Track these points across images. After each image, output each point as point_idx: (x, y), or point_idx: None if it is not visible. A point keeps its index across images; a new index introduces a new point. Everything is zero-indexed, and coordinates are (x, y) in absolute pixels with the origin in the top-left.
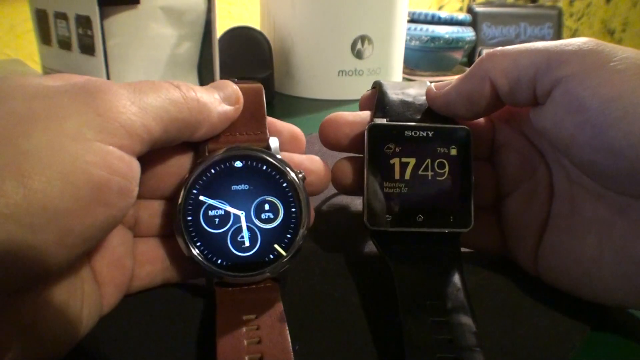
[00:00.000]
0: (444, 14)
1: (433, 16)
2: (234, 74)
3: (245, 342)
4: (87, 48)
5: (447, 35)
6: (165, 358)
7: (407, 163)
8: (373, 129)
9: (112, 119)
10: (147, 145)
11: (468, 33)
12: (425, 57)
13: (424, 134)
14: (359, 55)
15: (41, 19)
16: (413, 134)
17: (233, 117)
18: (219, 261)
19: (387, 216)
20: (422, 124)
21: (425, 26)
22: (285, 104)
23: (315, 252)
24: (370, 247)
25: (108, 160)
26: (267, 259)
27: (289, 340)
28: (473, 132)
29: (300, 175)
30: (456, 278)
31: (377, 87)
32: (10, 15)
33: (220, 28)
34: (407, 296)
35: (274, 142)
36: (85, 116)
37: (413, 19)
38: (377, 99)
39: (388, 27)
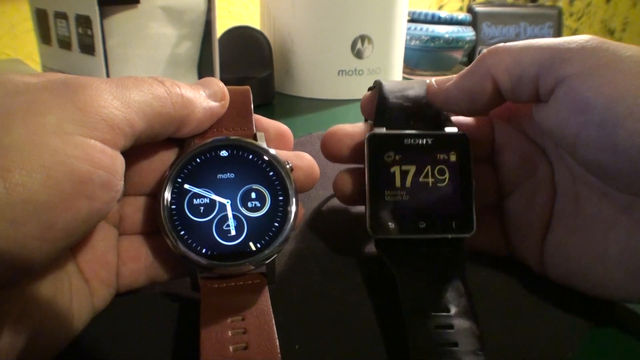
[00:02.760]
0: (444, 14)
1: (433, 16)
2: (234, 73)
3: (229, 332)
4: (87, 48)
5: (447, 35)
6: (150, 352)
7: (408, 171)
8: (372, 138)
9: (93, 113)
10: (131, 139)
11: (468, 33)
12: (425, 57)
13: (423, 142)
14: (359, 55)
15: (41, 18)
16: (412, 141)
17: (219, 113)
18: (204, 250)
19: (390, 224)
20: (421, 132)
21: (425, 26)
22: (285, 104)
23: (315, 252)
24: (370, 246)
25: (90, 154)
26: (254, 248)
27: (275, 329)
28: (472, 134)
29: (288, 166)
30: (459, 283)
31: (377, 89)
32: (10, 15)
33: (220, 28)
34: (411, 302)
35: (260, 137)
36: (65, 110)
37: (413, 19)
38: (376, 105)
39: (388, 27)
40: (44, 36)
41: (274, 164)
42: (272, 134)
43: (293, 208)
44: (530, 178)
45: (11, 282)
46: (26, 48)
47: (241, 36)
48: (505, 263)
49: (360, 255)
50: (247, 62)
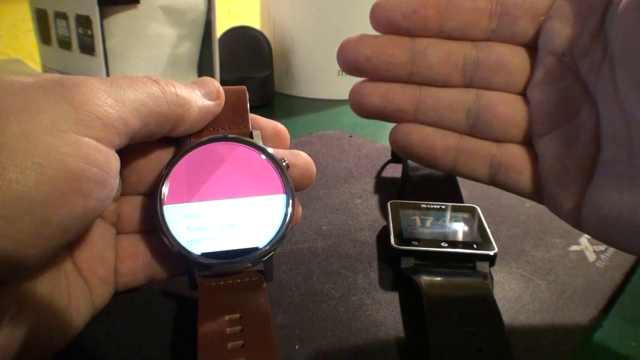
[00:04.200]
0: None
1: None
2: (234, 73)
3: (227, 330)
4: (87, 48)
5: None
6: (148, 350)
7: (426, 219)
8: (394, 204)
9: (87, 111)
10: (126, 138)
11: None
12: None
13: (438, 207)
14: None
15: (41, 18)
16: (428, 206)
17: (214, 112)
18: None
19: (414, 242)
20: (437, 204)
21: None
22: (285, 104)
23: (315, 252)
24: (370, 247)
25: (84, 151)
26: (249, 246)
27: (272, 327)
28: (506, 61)
29: (284, 164)
30: (485, 290)
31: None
32: (10, 15)
33: (220, 28)
34: (436, 307)
35: (256, 135)
36: (59, 109)
37: None
38: (402, 178)
39: None
40: (44, 36)
41: (270, 161)
42: (268, 132)
43: (290, 205)
44: (570, 122)
45: (7, 279)
46: (26, 48)
47: (241, 36)
48: (504, 263)
49: (361, 256)
50: (247, 62)
